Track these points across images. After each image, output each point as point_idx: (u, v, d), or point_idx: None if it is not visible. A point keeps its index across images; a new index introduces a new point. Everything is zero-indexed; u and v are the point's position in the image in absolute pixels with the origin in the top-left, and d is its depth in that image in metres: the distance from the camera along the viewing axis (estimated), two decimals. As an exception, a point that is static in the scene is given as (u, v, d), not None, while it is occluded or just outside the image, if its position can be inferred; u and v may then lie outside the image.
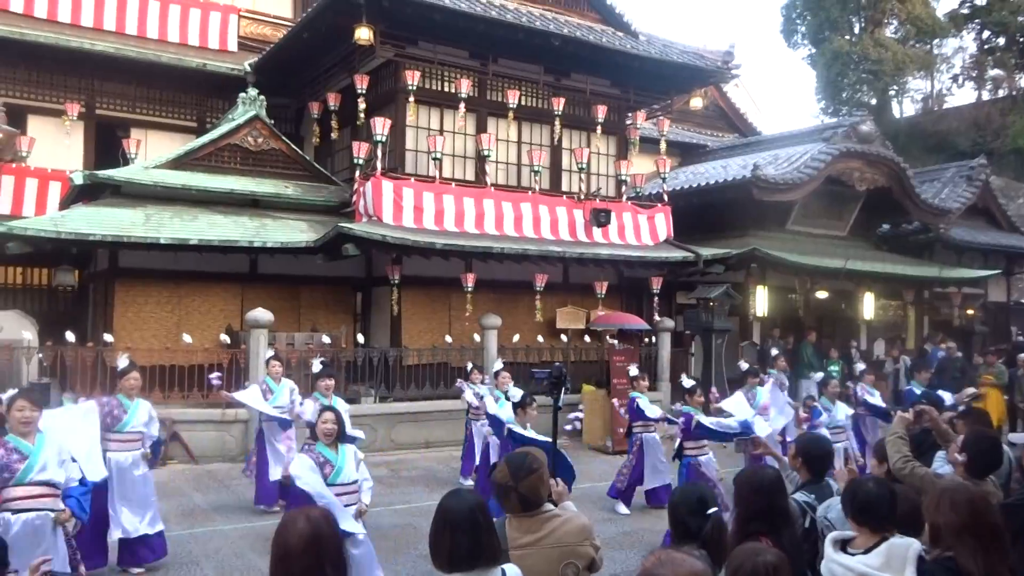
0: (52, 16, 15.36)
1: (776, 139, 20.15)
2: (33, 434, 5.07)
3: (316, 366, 8.84)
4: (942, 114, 31.45)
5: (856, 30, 30.31)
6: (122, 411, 6.83)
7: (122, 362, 7.13)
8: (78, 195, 13.26)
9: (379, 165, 12.99)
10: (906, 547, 2.99)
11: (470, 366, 11.12)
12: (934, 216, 19.03)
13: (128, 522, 6.65)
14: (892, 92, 31.10)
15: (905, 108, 33.02)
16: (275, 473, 8.26)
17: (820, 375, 12.13)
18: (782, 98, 68.09)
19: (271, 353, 9.81)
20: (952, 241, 20.04)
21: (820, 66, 30.19)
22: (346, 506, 5.43)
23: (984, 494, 3.15)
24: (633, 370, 10.13)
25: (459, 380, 10.91)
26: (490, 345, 13.29)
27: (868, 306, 18.08)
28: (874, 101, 30.24)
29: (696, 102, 19.31)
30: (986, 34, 31.32)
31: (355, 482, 5.69)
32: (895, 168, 17.79)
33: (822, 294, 18.35)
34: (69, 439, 5.67)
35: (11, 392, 5.18)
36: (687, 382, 8.35)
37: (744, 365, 10.95)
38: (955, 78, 33.02)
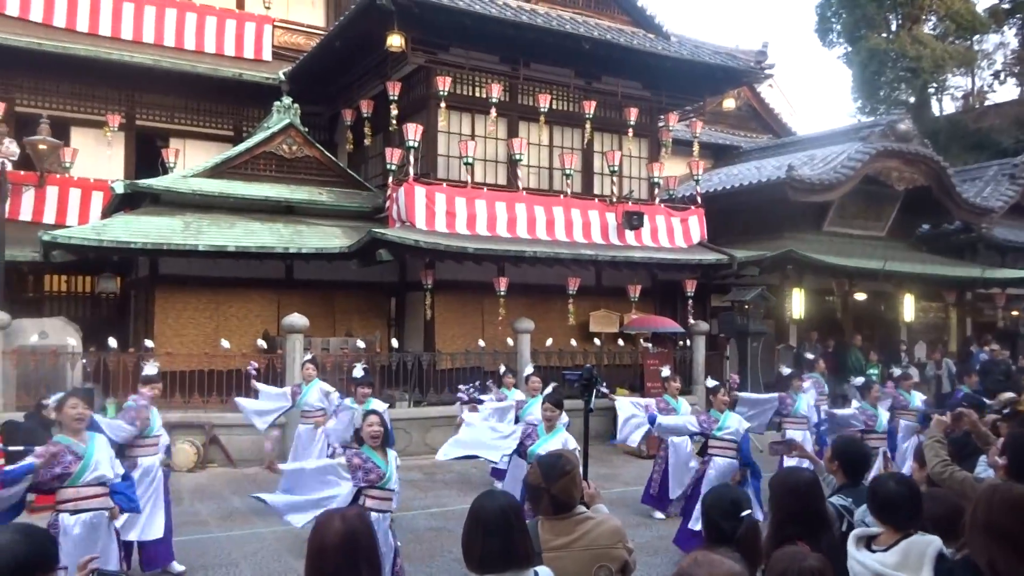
0: (93, 30, 15.75)
1: (812, 139, 19.90)
2: (83, 433, 5.16)
3: (358, 371, 8.88)
4: (983, 111, 30.75)
5: (893, 27, 29.78)
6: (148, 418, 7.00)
7: (150, 369, 7.27)
8: (119, 204, 13.55)
9: (411, 171, 13.08)
10: (925, 545, 2.92)
11: (503, 369, 11.14)
12: (976, 215, 18.64)
13: (128, 523, 6.44)
14: (931, 90, 30.49)
15: (945, 106, 32.33)
16: None
17: (860, 379, 11.93)
18: (817, 98, 67.26)
19: (308, 357, 9.95)
20: (995, 241, 19.60)
21: (856, 65, 29.70)
22: (385, 512, 5.41)
23: (1012, 493, 3.05)
24: (665, 371, 9.97)
25: (473, 383, 10.62)
26: (523, 349, 13.30)
27: (908, 308, 17.74)
28: (912, 99, 29.67)
29: (729, 103, 19.13)
30: (1028, 29, 30.63)
31: (394, 489, 5.58)
32: (934, 167, 17.47)
33: (860, 296, 18.06)
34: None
35: (59, 394, 5.26)
36: (711, 382, 8.29)
37: (786, 370, 10.80)
38: (996, 74, 32.27)
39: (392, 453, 5.62)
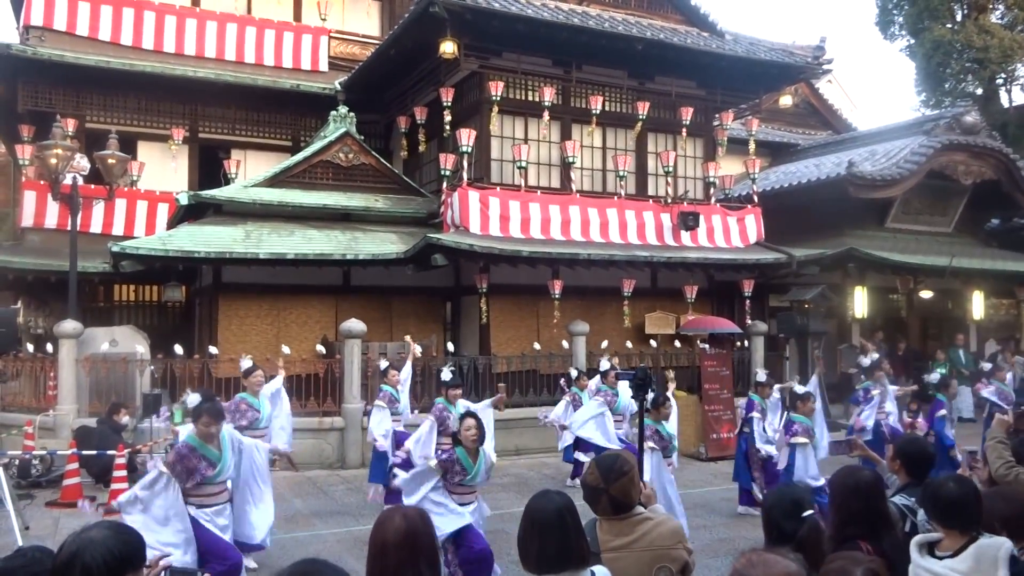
0: (158, 47, 16.31)
1: (873, 134, 19.41)
2: (216, 440, 5.69)
3: (446, 374, 9.04)
4: (1056, 101, 29.59)
5: (958, 17, 28.84)
6: (254, 410, 7.65)
7: (245, 363, 7.67)
8: (184, 215, 13.97)
9: (465, 175, 13.18)
10: (996, 548, 2.83)
11: (575, 372, 11.17)
12: (1049, 208, 17.95)
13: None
14: (1000, 80, 29.40)
15: (1015, 96, 31.12)
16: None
17: (937, 375, 11.68)
18: (879, 93, 65.54)
19: (386, 364, 10.08)
20: (1070, 234, 18.85)
21: (920, 57, 28.81)
22: (466, 504, 5.94)
23: None
24: (762, 375, 9.82)
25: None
26: (579, 352, 13.27)
27: (977, 305, 17.18)
28: (980, 91, 28.63)
29: (786, 100, 18.79)
30: (1102, 14, 29.29)
31: (478, 481, 6.04)
32: (1003, 159, 16.88)
33: (926, 294, 17.54)
34: None
35: (196, 398, 5.83)
36: (800, 388, 8.19)
37: (866, 360, 10.71)
38: (1070, 63, 30.98)
39: (483, 450, 6.01)
